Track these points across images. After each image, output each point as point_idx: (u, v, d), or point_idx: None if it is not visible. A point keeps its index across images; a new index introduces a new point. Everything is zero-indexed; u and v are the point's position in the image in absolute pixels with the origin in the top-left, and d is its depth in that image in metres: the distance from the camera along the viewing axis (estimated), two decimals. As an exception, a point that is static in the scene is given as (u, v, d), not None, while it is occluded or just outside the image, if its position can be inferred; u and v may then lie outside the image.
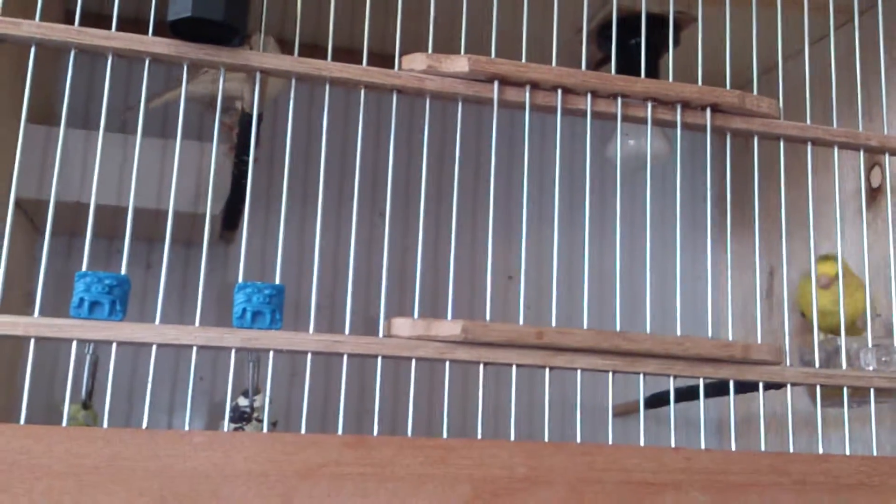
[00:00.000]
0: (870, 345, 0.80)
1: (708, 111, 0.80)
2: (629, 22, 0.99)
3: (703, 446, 0.75)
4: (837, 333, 0.93)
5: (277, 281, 0.71)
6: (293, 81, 0.75)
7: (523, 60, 0.78)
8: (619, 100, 0.79)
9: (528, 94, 0.77)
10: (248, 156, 0.92)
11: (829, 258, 0.98)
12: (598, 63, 1.18)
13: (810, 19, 0.88)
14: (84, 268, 0.69)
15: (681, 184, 0.82)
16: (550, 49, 0.80)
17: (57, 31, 0.71)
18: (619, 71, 0.88)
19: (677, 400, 0.80)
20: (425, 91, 0.76)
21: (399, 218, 0.77)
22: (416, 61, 0.77)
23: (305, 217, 0.83)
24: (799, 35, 0.87)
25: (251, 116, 0.85)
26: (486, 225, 0.75)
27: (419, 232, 0.74)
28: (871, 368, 0.80)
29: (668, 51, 1.08)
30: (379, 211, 0.73)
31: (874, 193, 1.08)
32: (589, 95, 0.78)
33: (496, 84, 0.77)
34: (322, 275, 0.72)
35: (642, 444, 0.74)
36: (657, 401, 0.94)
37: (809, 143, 0.84)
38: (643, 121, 0.79)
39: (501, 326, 0.72)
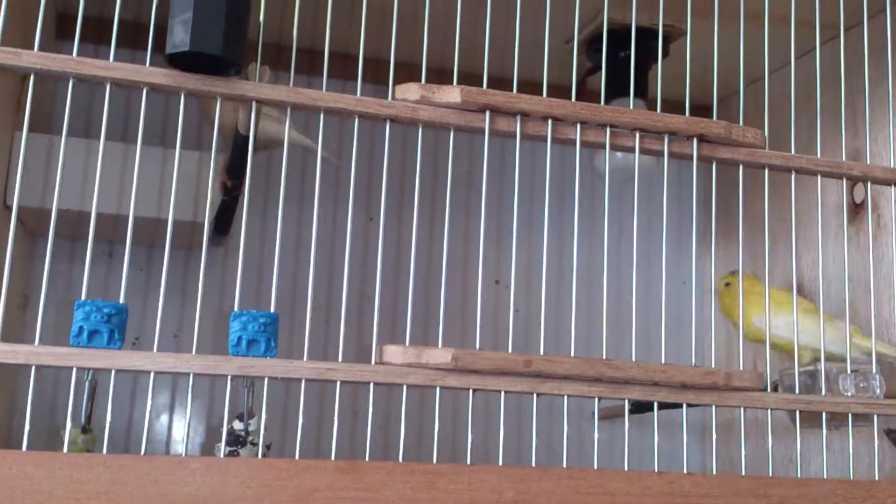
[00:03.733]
0: (849, 371, 0.82)
1: (694, 141, 0.82)
2: (618, 34, 1.00)
3: (685, 470, 0.77)
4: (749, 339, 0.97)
5: (272, 308, 0.73)
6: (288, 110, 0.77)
7: (514, 68, 0.80)
8: (609, 130, 0.80)
9: (518, 125, 0.79)
10: (239, 174, 0.94)
11: (732, 273, 1.07)
12: (587, 73, 1.20)
13: (796, 34, 0.89)
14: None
15: (667, 208, 0.83)
16: (540, 59, 0.81)
17: (56, 62, 0.72)
18: (608, 82, 0.89)
19: (660, 408, 0.82)
20: (418, 121, 0.78)
21: (391, 244, 0.78)
22: (410, 91, 0.78)
23: (300, 244, 0.84)
24: (784, 49, 0.88)
25: (245, 138, 0.86)
26: (477, 251, 0.77)
27: (411, 260, 0.76)
28: (849, 394, 0.82)
29: (655, 62, 1.10)
30: (373, 237, 0.75)
31: (856, 209, 1.10)
32: (578, 126, 0.80)
33: (487, 114, 0.79)
34: (316, 299, 0.74)
35: (626, 468, 0.76)
36: (641, 407, 0.96)
37: (793, 173, 0.86)
38: (631, 150, 0.81)
39: (491, 355, 0.74)
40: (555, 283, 0.79)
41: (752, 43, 0.87)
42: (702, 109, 0.89)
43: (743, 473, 0.78)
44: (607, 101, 1.13)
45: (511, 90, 0.80)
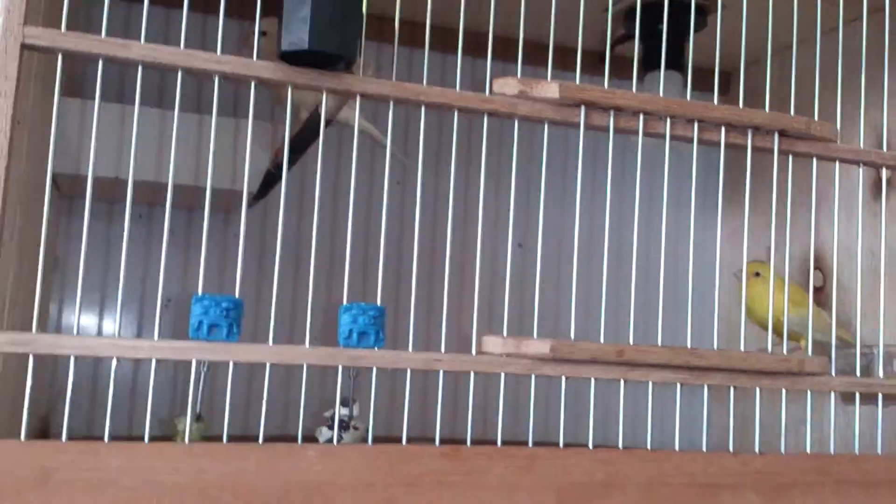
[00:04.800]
0: (903, 355, 0.88)
1: (776, 136, 0.85)
2: (656, 6, 1.02)
3: (756, 450, 0.82)
4: (760, 326, 1.02)
5: (378, 301, 0.75)
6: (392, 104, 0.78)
7: (551, 38, 0.81)
8: (697, 124, 0.83)
9: (612, 119, 0.81)
10: (299, 152, 0.95)
11: (760, 263, 1.14)
12: (618, 40, 1.21)
13: (823, 11, 0.91)
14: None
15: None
16: (576, 25, 0.82)
17: (164, 54, 0.72)
18: (644, 52, 0.91)
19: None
20: (516, 115, 0.80)
21: (489, 239, 0.81)
22: (508, 86, 0.79)
23: (402, 239, 0.86)
24: (810, 24, 0.90)
25: (319, 121, 0.87)
26: (571, 244, 0.80)
27: (508, 256, 0.79)
28: (904, 377, 0.88)
29: (694, 33, 1.12)
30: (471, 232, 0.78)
31: (878, 186, 1.13)
32: (668, 120, 0.82)
33: (582, 109, 0.81)
34: (418, 289, 0.77)
35: (704, 449, 0.81)
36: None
37: (861, 166, 0.89)
38: (717, 144, 0.84)
39: (586, 345, 0.78)
40: (644, 275, 0.82)
41: (780, 16, 0.89)
42: (725, 76, 0.90)
43: (808, 451, 0.84)
44: (642, 73, 1.16)
45: (546, 55, 0.81)
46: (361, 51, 0.77)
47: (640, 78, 1.14)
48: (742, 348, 0.84)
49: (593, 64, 0.86)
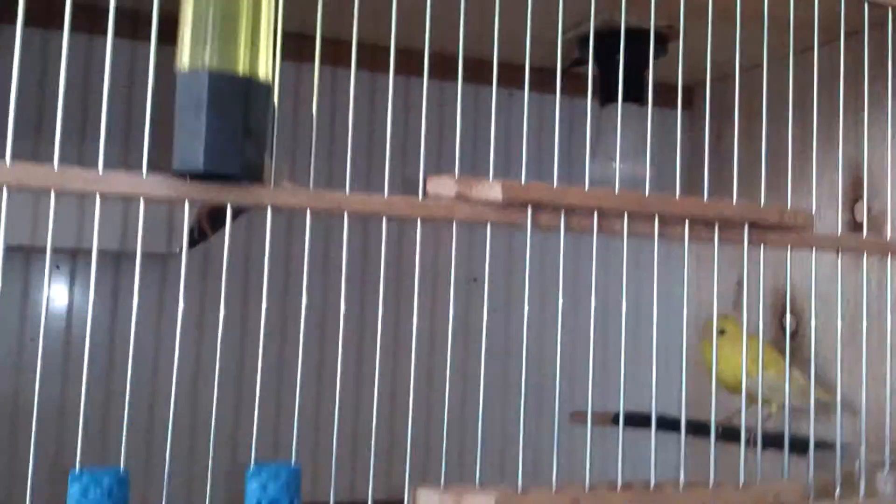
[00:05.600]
0: (887, 468, 0.78)
1: (745, 228, 0.74)
2: (613, 36, 0.90)
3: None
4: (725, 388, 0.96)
5: (293, 458, 0.63)
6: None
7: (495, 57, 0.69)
8: (657, 218, 0.72)
9: (563, 219, 0.69)
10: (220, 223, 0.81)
11: (725, 318, 1.03)
12: (572, 63, 1.09)
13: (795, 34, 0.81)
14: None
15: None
16: (535, 47, 0.72)
17: (35, 175, 0.58)
18: (604, 86, 0.80)
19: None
20: (453, 219, 0.67)
21: (423, 364, 0.69)
22: (445, 186, 0.67)
23: (321, 374, 0.73)
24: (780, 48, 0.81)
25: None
26: (519, 367, 0.68)
27: (446, 380, 0.67)
28: (888, 493, 0.78)
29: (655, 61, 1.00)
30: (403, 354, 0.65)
31: (856, 227, 1.04)
32: (626, 216, 0.71)
33: (529, 209, 0.68)
34: (341, 440, 0.64)
35: None
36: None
37: (839, 251, 0.79)
38: (680, 238, 0.73)
39: (537, 497, 0.66)
40: (600, 397, 0.71)
41: (747, 41, 0.79)
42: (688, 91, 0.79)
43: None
44: (602, 104, 1.05)
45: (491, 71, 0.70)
46: (272, 153, 0.63)
47: (599, 109, 1.03)
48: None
49: (544, 83, 0.74)
